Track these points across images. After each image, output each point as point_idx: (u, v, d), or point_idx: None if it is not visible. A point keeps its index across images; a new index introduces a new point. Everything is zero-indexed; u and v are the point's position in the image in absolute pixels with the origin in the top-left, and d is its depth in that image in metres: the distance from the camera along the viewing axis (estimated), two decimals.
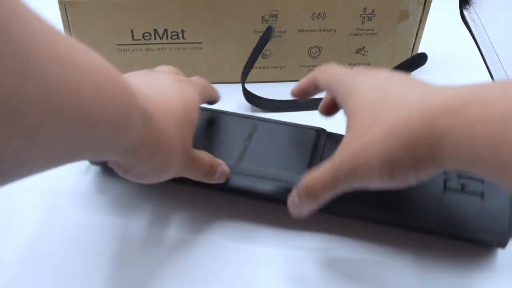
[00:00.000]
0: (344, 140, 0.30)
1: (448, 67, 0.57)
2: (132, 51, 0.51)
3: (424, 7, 0.51)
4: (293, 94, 0.39)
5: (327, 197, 0.31)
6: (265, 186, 0.38)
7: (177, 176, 0.34)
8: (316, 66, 0.54)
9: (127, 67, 0.53)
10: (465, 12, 0.67)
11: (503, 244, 0.36)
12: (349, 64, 0.55)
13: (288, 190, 0.34)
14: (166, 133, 0.31)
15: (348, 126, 0.31)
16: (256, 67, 0.52)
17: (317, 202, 0.32)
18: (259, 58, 0.51)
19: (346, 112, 0.32)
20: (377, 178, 0.28)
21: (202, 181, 0.37)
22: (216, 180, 0.37)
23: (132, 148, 0.27)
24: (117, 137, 0.25)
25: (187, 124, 0.33)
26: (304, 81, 0.38)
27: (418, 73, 0.52)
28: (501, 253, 0.37)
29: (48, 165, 0.22)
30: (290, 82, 0.54)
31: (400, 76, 0.32)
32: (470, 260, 0.37)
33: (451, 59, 0.58)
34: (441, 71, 0.56)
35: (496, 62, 0.58)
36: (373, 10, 0.51)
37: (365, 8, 0.50)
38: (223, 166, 0.37)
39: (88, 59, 0.22)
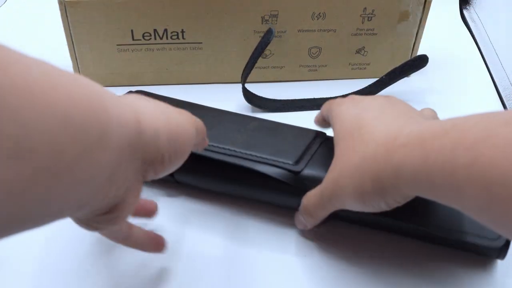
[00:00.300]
0: (330, 167, 0.34)
1: (448, 67, 0.57)
2: (132, 51, 0.51)
3: (424, 7, 0.51)
4: (315, 122, 0.42)
5: (320, 215, 0.35)
6: (258, 167, 0.38)
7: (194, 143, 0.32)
8: (316, 66, 0.54)
9: (127, 67, 0.53)
10: (465, 12, 0.67)
11: (501, 256, 0.36)
12: (349, 64, 0.55)
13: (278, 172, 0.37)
14: (157, 119, 0.28)
15: (335, 153, 0.34)
16: (256, 67, 0.52)
17: (314, 219, 0.36)
18: (259, 58, 0.51)
19: (334, 137, 0.35)
20: (352, 203, 0.32)
21: (200, 147, 0.34)
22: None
23: (153, 158, 0.26)
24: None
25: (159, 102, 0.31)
26: (318, 114, 0.41)
27: (418, 73, 0.52)
28: (500, 264, 0.37)
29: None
30: (290, 82, 0.55)
31: (380, 103, 0.35)
32: (470, 271, 0.36)
33: (451, 59, 0.58)
34: (441, 71, 0.56)
35: (496, 62, 0.58)
36: (373, 10, 0.51)
37: (365, 8, 0.50)
38: None
39: (40, 72, 0.18)
